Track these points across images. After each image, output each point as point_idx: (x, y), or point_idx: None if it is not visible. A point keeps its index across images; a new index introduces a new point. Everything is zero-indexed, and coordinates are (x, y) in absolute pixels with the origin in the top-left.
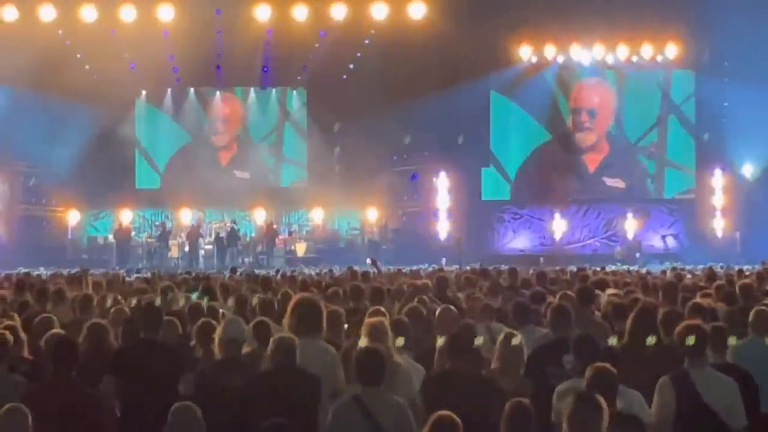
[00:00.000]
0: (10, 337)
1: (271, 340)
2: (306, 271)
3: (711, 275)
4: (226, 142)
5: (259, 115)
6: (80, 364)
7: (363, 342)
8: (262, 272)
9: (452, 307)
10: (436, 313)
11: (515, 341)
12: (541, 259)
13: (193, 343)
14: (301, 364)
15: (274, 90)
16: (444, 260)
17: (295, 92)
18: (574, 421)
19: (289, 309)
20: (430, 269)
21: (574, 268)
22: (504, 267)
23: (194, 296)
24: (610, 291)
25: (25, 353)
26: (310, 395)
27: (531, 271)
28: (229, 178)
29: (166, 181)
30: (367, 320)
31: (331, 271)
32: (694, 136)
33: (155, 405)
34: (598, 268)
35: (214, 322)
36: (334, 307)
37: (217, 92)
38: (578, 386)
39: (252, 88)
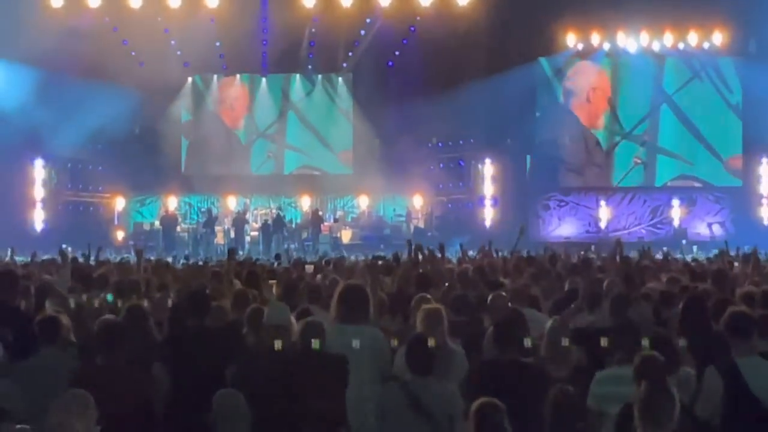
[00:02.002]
0: (65, 320)
1: (298, 324)
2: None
3: (757, 263)
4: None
5: (304, 101)
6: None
7: (418, 328)
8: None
9: (504, 293)
10: (488, 299)
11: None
12: (592, 247)
13: (245, 330)
14: (353, 350)
15: (320, 76)
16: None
17: (340, 78)
18: (647, 411)
19: (335, 296)
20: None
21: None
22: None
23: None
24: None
25: (72, 337)
26: (336, 377)
27: (576, 257)
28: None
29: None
30: (424, 307)
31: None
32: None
33: (202, 393)
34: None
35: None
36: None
37: (263, 79)
38: (618, 374)
39: (298, 75)
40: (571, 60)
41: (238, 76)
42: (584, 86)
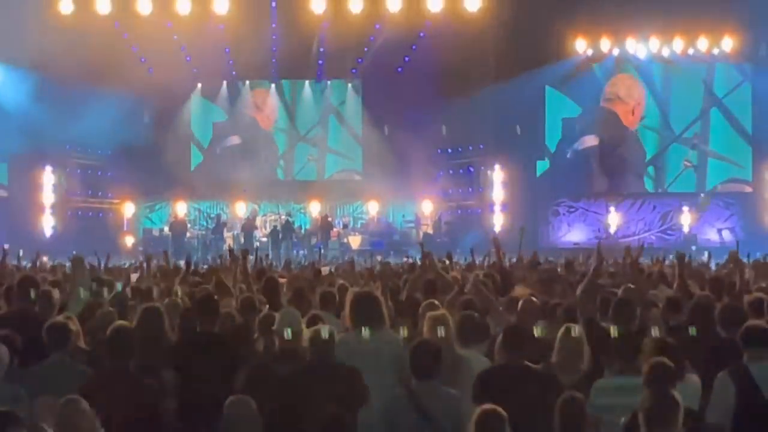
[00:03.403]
0: (73, 326)
1: (308, 333)
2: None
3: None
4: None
5: (314, 107)
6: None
7: (425, 335)
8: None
9: (534, 298)
10: (519, 304)
11: (575, 334)
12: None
13: (256, 335)
14: (369, 357)
15: (329, 82)
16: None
17: (350, 85)
18: (652, 418)
19: (347, 305)
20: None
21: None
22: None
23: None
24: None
25: (82, 344)
26: (348, 389)
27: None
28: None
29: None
30: (430, 313)
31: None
32: (739, 131)
33: (213, 399)
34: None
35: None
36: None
37: (272, 85)
38: (617, 384)
39: (307, 81)
40: (611, 66)
41: (248, 83)
42: (626, 97)
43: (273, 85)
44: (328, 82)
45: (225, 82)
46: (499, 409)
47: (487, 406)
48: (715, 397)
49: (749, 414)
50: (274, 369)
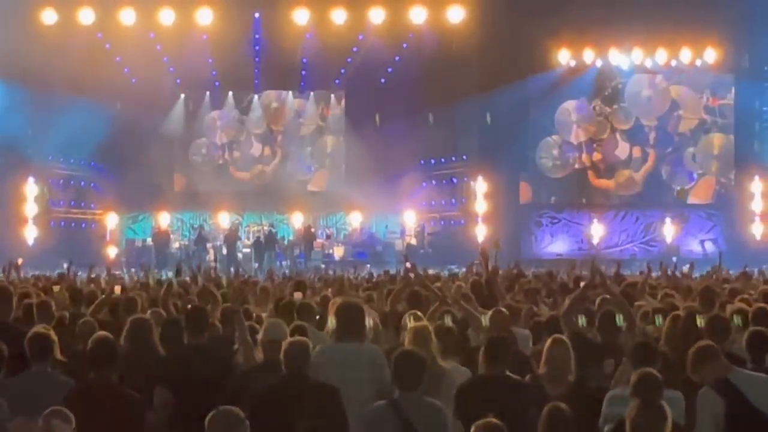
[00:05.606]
0: (54, 336)
1: (282, 344)
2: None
3: (747, 279)
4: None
5: (297, 118)
6: (124, 363)
7: (408, 345)
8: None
9: (503, 310)
10: (488, 315)
11: (564, 346)
12: (576, 263)
13: (236, 347)
14: (349, 368)
15: (312, 93)
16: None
17: (333, 95)
18: (639, 428)
19: (331, 313)
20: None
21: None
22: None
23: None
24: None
25: (59, 355)
26: (326, 407)
27: (564, 275)
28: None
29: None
30: (411, 325)
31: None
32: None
33: (204, 412)
34: (637, 273)
35: (257, 325)
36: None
37: (255, 96)
38: (626, 395)
39: (290, 92)
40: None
41: (231, 93)
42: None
43: (256, 96)
44: (311, 93)
45: (208, 93)
46: (499, 422)
47: (487, 420)
48: (703, 412)
49: (740, 424)
50: (254, 381)
